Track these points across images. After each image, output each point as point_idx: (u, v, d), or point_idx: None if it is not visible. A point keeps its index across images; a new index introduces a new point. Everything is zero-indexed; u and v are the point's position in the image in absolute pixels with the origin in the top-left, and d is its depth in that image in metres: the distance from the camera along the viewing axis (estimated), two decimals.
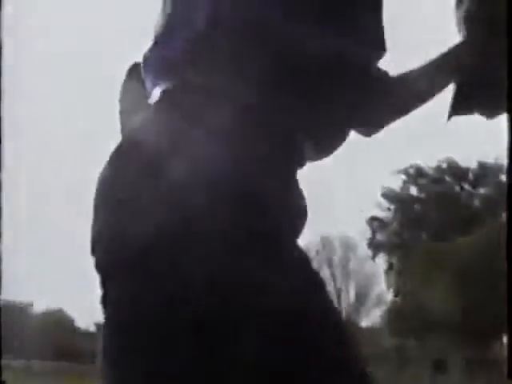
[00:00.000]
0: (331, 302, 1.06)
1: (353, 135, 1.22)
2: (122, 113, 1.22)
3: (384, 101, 1.18)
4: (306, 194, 1.11)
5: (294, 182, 1.11)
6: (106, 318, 1.04)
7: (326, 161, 1.21)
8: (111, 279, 1.03)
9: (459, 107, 1.26)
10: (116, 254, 1.02)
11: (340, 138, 1.19)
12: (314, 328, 1.00)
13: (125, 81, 1.23)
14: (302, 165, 1.14)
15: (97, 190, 1.08)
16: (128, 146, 1.09)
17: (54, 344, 34.40)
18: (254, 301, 0.97)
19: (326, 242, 36.60)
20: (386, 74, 1.18)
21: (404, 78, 1.21)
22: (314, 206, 1.12)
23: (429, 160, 35.39)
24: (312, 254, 32.62)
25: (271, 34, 1.10)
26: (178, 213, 0.99)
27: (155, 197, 1.00)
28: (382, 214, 36.39)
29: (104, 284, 1.04)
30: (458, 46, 1.24)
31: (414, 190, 36.22)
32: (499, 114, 1.26)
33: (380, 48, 1.19)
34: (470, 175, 35.55)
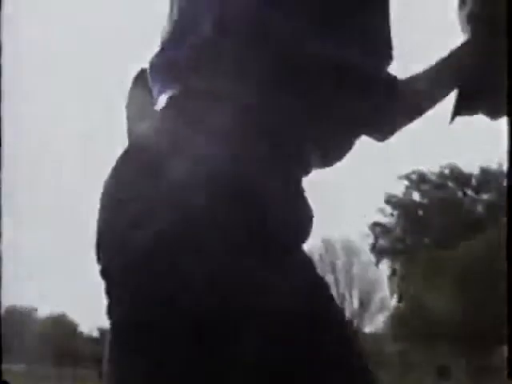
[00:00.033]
0: (333, 301, 1.07)
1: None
2: (128, 119, 1.22)
3: (394, 106, 1.18)
4: (309, 198, 1.11)
5: (299, 188, 1.11)
6: (112, 324, 1.04)
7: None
8: (116, 285, 1.03)
9: (462, 108, 1.26)
10: (120, 259, 1.02)
11: (347, 146, 1.20)
12: (316, 328, 1.01)
13: (131, 87, 1.23)
14: (307, 172, 1.14)
15: (102, 195, 1.08)
16: (134, 152, 1.09)
17: (57, 349, 34.35)
18: (254, 301, 0.97)
19: (328, 246, 36.58)
20: (394, 78, 1.18)
21: (411, 82, 1.21)
22: (316, 209, 1.12)
23: (431, 166, 35.41)
24: (315, 258, 32.50)
25: (279, 41, 1.10)
26: (184, 217, 0.99)
27: (162, 203, 1.01)
28: (385, 220, 36.40)
29: (109, 291, 1.05)
30: (460, 47, 1.24)
31: (416, 196, 36.22)
32: (503, 114, 1.25)
33: (388, 54, 1.19)
34: (473, 181, 35.52)
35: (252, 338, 0.96)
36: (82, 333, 39.89)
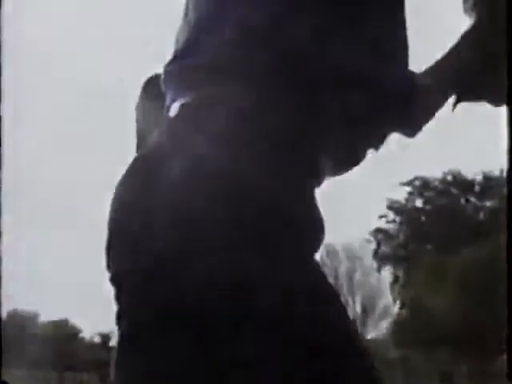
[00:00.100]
0: (337, 302, 1.06)
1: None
2: (137, 121, 1.22)
3: (413, 110, 1.18)
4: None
5: (309, 195, 1.10)
6: (121, 329, 1.04)
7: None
8: (126, 291, 1.03)
9: (464, 94, 1.25)
10: (131, 265, 1.02)
11: (361, 155, 1.20)
12: (318, 327, 1.00)
13: (142, 91, 1.23)
14: (320, 182, 1.14)
15: (113, 201, 1.08)
16: (144, 159, 1.09)
17: (58, 354, 34.36)
18: (254, 301, 0.97)
19: (331, 252, 36.57)
20: (412, 83, 1.17)
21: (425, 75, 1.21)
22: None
23: (434, 172, 35.41)
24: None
25: (298, 45, 1.10)
26: (195, 225, 0.99)
27: (173, 211, 1.01)
28: (387, 226, 36.38)
29: (119, 298, 1.05)
30: (464, 34, 1.24)
31: (419, 202, 36.20)
32: (504, 102, 1.25)
33: (405, 57, 1.18)
34: (476, 187, 35.50)
35: (252, 338, 0.96)
36: (83, 338, 39.95)
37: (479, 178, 35.24)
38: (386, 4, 1.18)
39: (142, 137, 1.31)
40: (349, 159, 1.20)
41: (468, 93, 1.26)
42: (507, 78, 1.21)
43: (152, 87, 1.20)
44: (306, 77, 1.10)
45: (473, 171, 35.01)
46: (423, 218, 35.90)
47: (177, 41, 1.18)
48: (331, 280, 1.08)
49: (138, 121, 1.22)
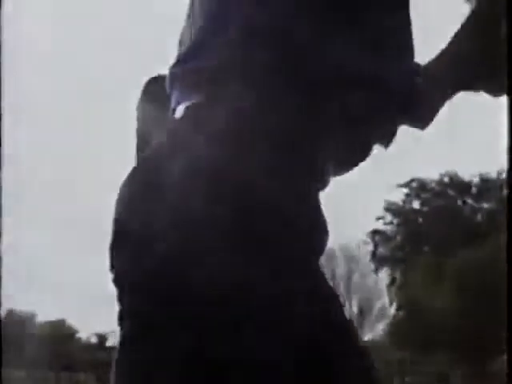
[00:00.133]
0: (337, 302, 1.07)
1: None
2: (138, 120, 1.22)
3: (418, 106, 1.18)
4: None
5: (312, 196, 1.10)
6: (122, 329, 1.04)
7: None
8: (128, 292, 1.04)
9: (464, 84, 1.25)
10: (135, 266, 1.02)
11: (364, 154, 1.20)
12: (315, 327, 1.01)
13: (143, 91, 1.23)
14: (324, 184, 1.14)
15: (117, 203, 1.08)
16: (149, 160, 1.09)
17: (56, 354, 34.29)
18: (254, 301, 0.98)
19: (328, 254, 36.53)
20: (417, 73, 1.18)
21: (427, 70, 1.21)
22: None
23: (431, 173, 35.38)
24: None
25: (302, 47, 1.10)
26: (199, 228, 0.99)
27: (176, 214, 1.01)
28: (384, 228, 36.34)
29: (121, 299, 1.05)
30: (464, 23, 1.24)
31: (416, 204, 36.17)
32: (504, 93, 1.24)
33: (410, 55, 1.19)
34: (473, 189, 35.48)
35: (252, 339, 0.96)
36: (80, 338, 39.88)
37: (476, 179, 35.25)
38: (388, 3, 1.17)
39: (143, 137, 1.32)
40: (350, 159, 1.20)
41: (468, 83, 1.25)
42: (507, 67, 1.20)
43: (153, 88, 1.20)
44: (307, 77, 1.10)
45: (470, 173, 35.03)
46: (420, 220, 35.86)
47: (181, 42, 1.18)
48: (329, 281, 1.08)
49: (138, 121, 1.23)
